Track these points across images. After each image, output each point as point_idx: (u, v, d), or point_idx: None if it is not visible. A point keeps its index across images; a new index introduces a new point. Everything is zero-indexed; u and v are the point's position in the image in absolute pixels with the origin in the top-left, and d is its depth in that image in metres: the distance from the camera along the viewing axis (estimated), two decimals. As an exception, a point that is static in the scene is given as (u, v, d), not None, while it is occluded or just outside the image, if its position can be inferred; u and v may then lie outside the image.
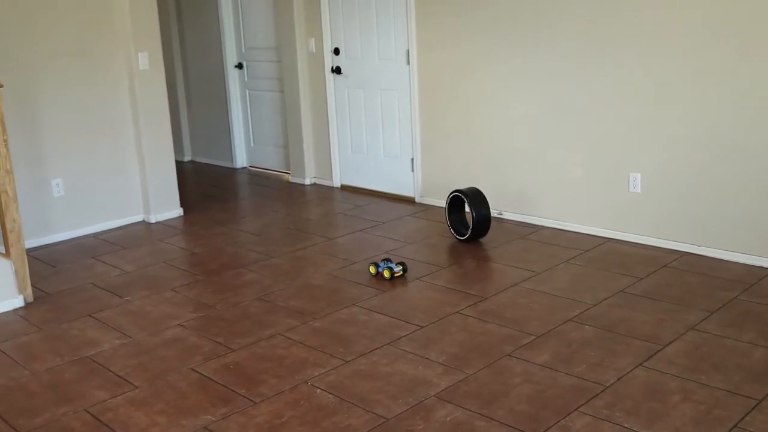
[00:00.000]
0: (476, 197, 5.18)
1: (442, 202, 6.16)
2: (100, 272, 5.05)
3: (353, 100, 6.72)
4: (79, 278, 4.95)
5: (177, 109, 8.68)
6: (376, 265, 4.66)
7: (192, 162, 8.79)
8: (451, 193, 5.32)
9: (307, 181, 7.26)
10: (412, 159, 6.33)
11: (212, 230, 5.90)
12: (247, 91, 8.06)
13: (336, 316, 4.07)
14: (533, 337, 3.66)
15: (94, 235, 5.93)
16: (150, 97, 6.05)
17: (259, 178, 7.73)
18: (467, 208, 5.45)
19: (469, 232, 5.18)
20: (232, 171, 8.18)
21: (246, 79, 8.02)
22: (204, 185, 7.58)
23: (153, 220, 6.22)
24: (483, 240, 5.26)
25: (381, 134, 6.57)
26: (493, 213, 5.78)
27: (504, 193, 5.74)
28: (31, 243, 5.68)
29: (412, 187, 6.40)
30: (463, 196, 5.22)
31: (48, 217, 5.79)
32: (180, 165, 8.49)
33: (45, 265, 5.25)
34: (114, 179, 6.10)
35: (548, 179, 5.47)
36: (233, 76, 8.11)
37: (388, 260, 4.64)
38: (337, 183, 7.07)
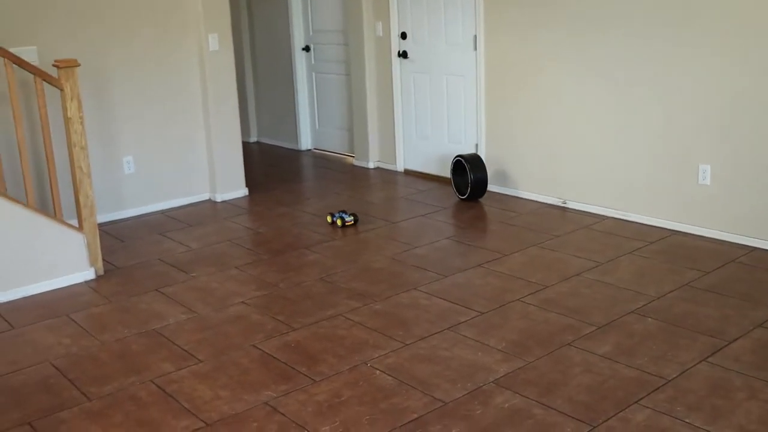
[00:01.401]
0: (475, 162, 5.81)
1: (507, 189, 6.13)
2: (166, 248, 5.13)
3: (419, 84, 6.70)
4: (147, 253, 5.04)
5: (244, 91, 8.74)
6: (332, 215, 5.37)
7: (258, 143, 8.83)
8: (454, 159, 5.91)
9: (371, 165, 7.28)
10: (476, 145, 6.29)
11: (276, 211, 5.94)
12: (313, 74, 8.08)
13: (396, 299, 4.07)
14: (594, 328, 3.62)
15: (162, 212, 6.02)
16: (219, 78, 6.11)
17: (323, 161, 7.77)
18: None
19: (468, 191, 5.80)
20: (297, 153, 8.22)
21: (313, 61, 8.04)
22: (269, 166, 7.64)
23: (219, 199, 6.28)
24: (546, 228, 5.22)
25: (446, 120, 6.54)
26: (557, 202, 5.74)
27: (568, 182, 5.68)
28: (102, 218, 5.79)
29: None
30: (464, 161, 5.82)
31: (119, 193, 5.89)
32: (246, 146, 8.58)
33: (115, 240, 5.36)
34: (182, 158, 6.17)
35: (613, 169, 5.38)
36: (300, 59, 8.13)
37: (343, 212, 5.36)
38: (400, 167, 7.08)
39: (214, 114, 6.16)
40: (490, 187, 6.23)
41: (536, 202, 5.87)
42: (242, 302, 4.13)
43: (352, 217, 5.37)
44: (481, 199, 6.01)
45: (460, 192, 5.97)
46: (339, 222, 5.35)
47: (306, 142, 8.36)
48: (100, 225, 5.72)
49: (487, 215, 5.63)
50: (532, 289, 4.14)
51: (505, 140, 6.07)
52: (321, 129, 8.20)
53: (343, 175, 7.12)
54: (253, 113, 8.90)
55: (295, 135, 8.40)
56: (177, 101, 6.07)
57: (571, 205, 5.70)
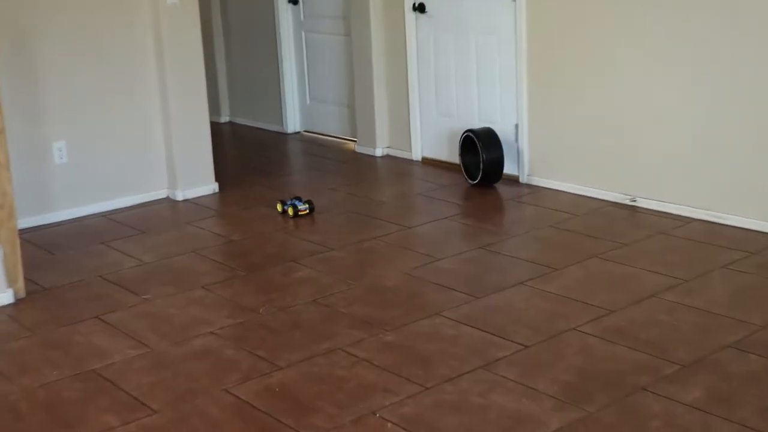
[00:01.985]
0: (488, 139, 6.14)
1: (555, 182, 6.14)
2: (111, 262, 5.11)
3: (441, 47, 6.70)
4: (85, 269, 5.01)
5: (213, 57, 8.75)
6: (283, 203, 5.79)
7: (231, 124, 8.89)
8: (463, 134, 6.28)
9: (378, 152, 7.29)
10: (517, 126, 6.29)
11: (255, 212, 5.96)
12: (303, 34, 8.12)
13: (414, 327, 4.08)
14: (678, 367, 3.61)
15: (105, 215, 6.00)
16: (179, 39, 6.12)
17: (316, 147, 7.79)
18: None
19: (480, 174, 6.14)
20: (282, 136, 8.25)
21: (302, 17, 8.09)
22: (246, 154, 7.65)
23: (180, 197, 6.30)
24: (610, 234, 5.21)
25: (476, 92, 6.55)
26: (624, 199, 5.75)
27: (638, 174, 5.69)
28: (24, 222, 5.66)
29: (515, 163, 6.36)
30: (474, 137, 6.16)
31: (47, 189, 5.87)
32: (216, 127, 8.47)
33: (42, 252, 5.33)
34: (131, 143, 6.18)
35: (703, 158, 5.37)
36: (285, 14, 8.17)
37: (297, 198, 5.79)
38: (417, 155, 7.09)
39: (174, 86, 6.16)
40: (534, 180, 6.22)
41: (595, 199, 5.88)
42: (210, 333, 4.12)
43: (306, 205, 5.76)
44: (523, 197, 6.05)
45: (470, 176, 6.28)
46: (290, 211, 5.73)
47: (293, 122, 8.37)
48: (22, 232, 5.60)
49: (530, 216, 5.69)
50: (593, 315, 4.13)
51: (554, 119, 6.09)
52: (313, 106, 8.21)
53: (341, 165, 7.13)
54: (224, 85, 8.93)
55: (279, 114, 8.41)
56: (124, 69, 6.09)
57: (642, 203, 5.71)
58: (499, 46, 6.30)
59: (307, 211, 5.77)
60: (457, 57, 6.61)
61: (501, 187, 6.26)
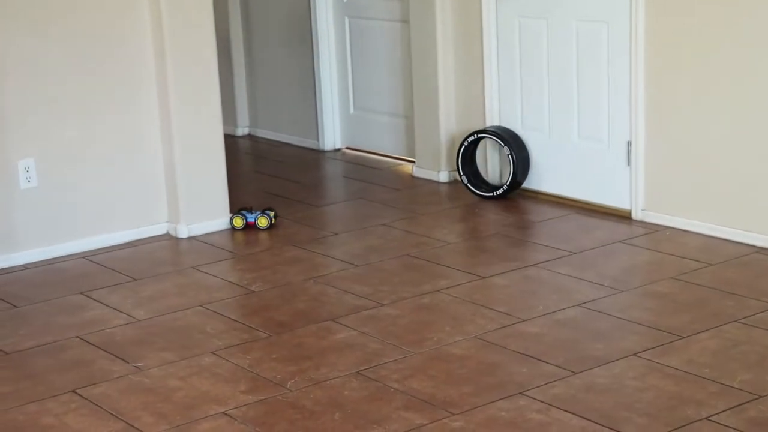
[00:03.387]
0: (513, 138, 6.72)
1: (682, 222, 6.09)
2: (93, 319, 5.12)
3: (528, 39, 6.69)
4: (59, 327, 5.02)
5: (228, 50, 8.79)
6: (243, 216, 6.39)
7: (250, 138, 8.93)
8: (468, 137, 6.85)
9: (443, 176, 7.29)
10: (629, 144, 6.27)
11: (282, 254, 5.98)
12: (346, 20, 8.16)
13: (489, 411, 4.04)
14: None
15: (86, 256, 6.03)
16: (186, 33, 6.16)
17: (361, 169, 7.82)
18: (483, 155, 7.00)
19: (508, 181, 6.71)
20: (318, 155, 8.25)
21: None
22: (270, 177, 7.64)
23: (184, 234, 6.32)
24: (756, 290, 5.13)
25: (575, 100, 6.54)
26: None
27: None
28: (-21, 265, 5.84)
29: (627, 193, 6.36)
30: (495, 138, 6.76)
31: (10, 222, 5.90)
32: (231, 142, 8.46)
33: (1, 303, 5.37)
34: (121, 164, 6.19)
35: None
36: (324, -4, 8.27)
37: (266, 209, 6.49)
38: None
39: (177, 88, 6.18)
40: (651, 216, 6.22)
41: (734, 242, 5.84)
42: (223, 413, 4.11)
43: (267, 217, 6.40)
44: (636, 238, 6.00)
45: (478, 186, 6.86)
46: (262, 222, 6.39)
47: (332, 136, 8.39)
48: (-23, 276, 5.77)
49: (646, 265, 5.68)
50: (733, 400, 4.05)
51: (680, 137, 6.05)
52: (358, 115, 8.23)
53: (395, 193, 7.15)
54: (242, 87, 8.95)
55: (313, 125, 8.41)
56: (114, 70, 6.12)
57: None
58: (608, 38, 6.28)
59: (268, 223, 6.36)
60: (551, 51, 6.59)
61: (604, 224, 6.25)
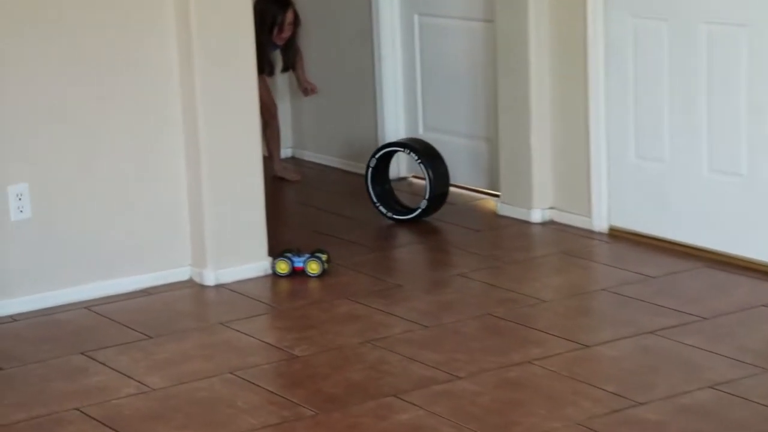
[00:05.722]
0: (428, 151, 7.39)
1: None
2: (96, 386, 5.08)
3: (645, 44, 6.66)
4: (55, 396, 4.99)
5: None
6: (289, 260, 6.37)
7: (294, 160, 9.08)
8: (377, 151, 7.54)
9: (536, 216, 7.30)
10: (776, 182, 6.29)
11: (333, 309, 5.99)
12: (415, 18, 8.25)
13: None
14: None
15: (89, 305, 6.05)
16: (218, 33, 6.21)
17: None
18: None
19: (424, 203, 7.28)
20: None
21: (415, -7, 8.24)
22: (317, 211, 7.76)
23: (211, 281, 6.34)
24: None
25: (705, 122, 6.48)
26: None
27: None
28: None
29: (770, 242, 6.41)
30: (408, 151, 7.47)
31: (-2, 261, 5.94)
32: (270, 166, 8.59)
33: (-16, 365, 5.38)
34: (134, 192, 6.25)
35: None
36: (388, -11, 8.36)
37: (316, 251, 6.49)
38: (600, 223, 7.09)
39: (205, 99, 6.21)
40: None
41: None
42: None
43: (318, 261, 6.42)
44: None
45: (390, 207, 7.45)
46: (313, 268, 6.38)
47: (396, 162, 8.34)
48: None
49: None
50: None
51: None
52: (430, 137, 8.13)
53: (475, 235, 7.20)
54: (285, 101, 9.06)
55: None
56: (127, 78, 6.15)
57: None
58: (749, 45, 6.23)
59: (322, 268, 6.40)
60: (673, 61, 6.54)
61: (741, 280, 6.21)
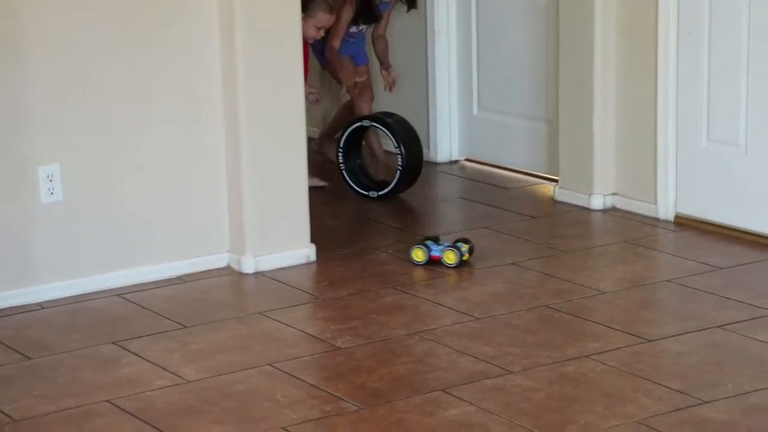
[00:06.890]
0: (402, 126, 7.63)
1: None
2: (128, 377, 5.11)
3: (721, 16, 6.61)
4: (84, 388, 5.01)
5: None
6: (426, 248, 6.34)
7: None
8: (347, 127, 7.74)
9: (597, 203, 7.31)
10: None
11: (378, 299, 6.00)
12: None
13: None
14: None
15: (121, 293, 6.09)
16: (262, 8, 6.24)
17: (486, 189, 7.90)
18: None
19: (394, 181, 7.48)
20: (427, 167, 8.20)
21: (472, -33, 8.20)
22: (361, 198, 7.68)
23: (250, 269, 6.36)
24: None
25: None
26: None
27: None
28: (-13, 302, 5.88)
29: None
30: (379, 126, 7.66)
31: (27, 245, 5.97)
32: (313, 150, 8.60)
33: (11, 354, 5.39)
34: (170, 174, 6.28)
35: None
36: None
37: (458, 241, 6.42)
38: (666, 211, 7.08)
39: (248, 77, 6.23)
40: None
41: None
42: None
43: (468, 247, 6.41)
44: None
45: (363, 185, 7.64)
46: (450, 258, 6.37)
47: (448, 145, 8.49)
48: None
49: None
50: None
51: None
52: (484, 118, 8.27)
53: (531, 222, 7.21)
54: (328, 78, 9.01)
55: (423, 129, 8.42)
56: (164, 54, 6.20)
57: None
58: None
59: (468, 255, 6.36)
60: (752, 35, 6.51)
61: None
